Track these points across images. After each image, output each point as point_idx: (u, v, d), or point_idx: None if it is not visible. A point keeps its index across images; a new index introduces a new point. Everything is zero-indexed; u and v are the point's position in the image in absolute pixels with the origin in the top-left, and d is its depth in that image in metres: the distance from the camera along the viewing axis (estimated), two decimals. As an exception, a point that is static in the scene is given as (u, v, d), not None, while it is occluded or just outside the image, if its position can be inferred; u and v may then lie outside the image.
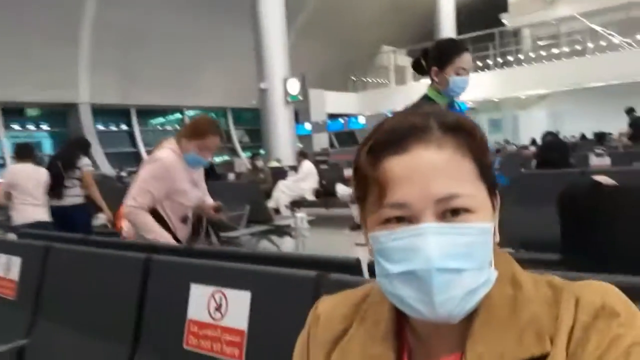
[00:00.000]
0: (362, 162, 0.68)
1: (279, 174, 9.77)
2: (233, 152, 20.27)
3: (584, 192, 1.81)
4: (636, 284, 1.02)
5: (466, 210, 0.64)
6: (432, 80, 2.30)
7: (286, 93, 13.24)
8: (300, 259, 1.35)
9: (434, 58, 2.29)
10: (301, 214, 5.64)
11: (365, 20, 21.64)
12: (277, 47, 13.21)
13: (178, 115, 20.03)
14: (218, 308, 1.41)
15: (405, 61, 25.26)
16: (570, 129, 17.81)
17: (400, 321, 0.73)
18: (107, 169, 15.72)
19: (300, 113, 15.24)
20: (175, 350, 1.49)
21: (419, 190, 0.63)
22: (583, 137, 15.07)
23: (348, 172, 8.62)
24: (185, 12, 16.53)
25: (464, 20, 18.61)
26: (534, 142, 14.41)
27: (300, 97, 13.47)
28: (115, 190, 6.01)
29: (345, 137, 22.11)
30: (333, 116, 21.01)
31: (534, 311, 0.66)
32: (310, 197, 8.87)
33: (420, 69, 2.38)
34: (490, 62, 20.20)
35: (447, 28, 18.32)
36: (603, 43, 19.84)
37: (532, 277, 0.71)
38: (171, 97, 17.96)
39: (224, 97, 18.97)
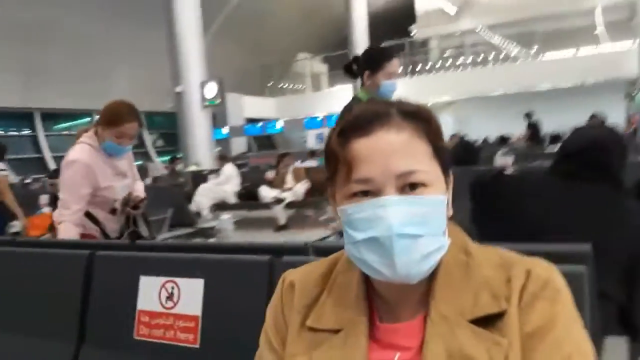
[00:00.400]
0: (333, 144, 0.77)
1: (199, 177, 9.65)
2: (146, 156, 19.62)
3: (490, 179, 2.05)
4: (536, 250, 1.20)
5: (422, 185, 0.73)
6: (364, 83, 2.47)
7: (203, 97, 13.07)
8: (251, 248, 1.43)
9: (367, 63, 2.46)
10: (226, 216, 5.65)
11: (281, 27, 21.81)
12: (193, 50, 12.96)
13: (87, 119, 19.09)
14: (170, 297, 1.46)
15: (321, 68, 25.73)
16: (475, 133, 19.00)
17: (368, 288, 0.81)
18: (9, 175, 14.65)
19: (217, 117, 15.06)
20: (125, 341, 1.51)
21: (381, 167, 0.72)
22: (485, 140, 16.12)
23: (270, 175, 8.68)
24: (96, 11, 15.80)
25: (375, 31, 19.26)
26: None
27: (218, 101, 13.32)
28: (20, 198, 5.69)
29: (263, 141, 22.13)
30: (251, 120, 20.97)
31: (485, 274, 0.76)
32: (233, 200, 8.84)
33: (351, 73, 2.55)
34: (400, 70, 21.08)
35: (360, 37, 18.86)
36: (502, 55, 21.34)
37: (481, 246, 0.81)
38: (79, 101, 17.03)
39: (136, 100, 17.86)
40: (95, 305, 1.62)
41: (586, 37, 20.18)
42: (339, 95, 22.31)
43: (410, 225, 0.71)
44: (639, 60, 15.93)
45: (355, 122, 0.76)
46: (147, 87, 17.86)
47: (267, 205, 8.19)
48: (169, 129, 19.72)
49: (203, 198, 8.77)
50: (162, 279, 1.48)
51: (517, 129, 14.61)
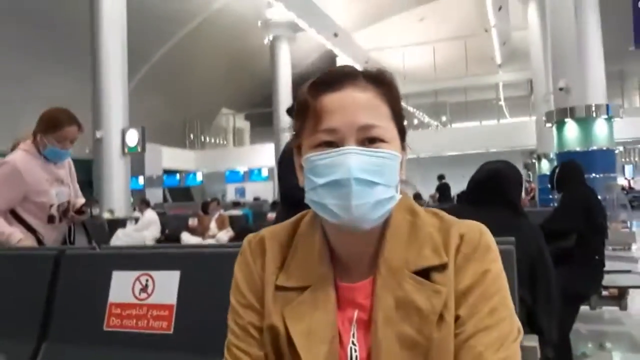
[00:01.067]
0: (305, 95, 0.85)
1: (115, 223, 9.37)
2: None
3: None
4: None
5: (381, 140, 0.81)
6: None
7: (124, 144, 12.83)
8: (227, 245, 1.57)
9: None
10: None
11: (206, 81, 22.01)
12: (116, 96, 12.75)
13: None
14: (144, 289, 1.55)
15: (244, 124, 26.07)
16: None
17: (329, 248, 0.87)
18: None
19: (134, 166, 14.73)
20: (93, 334, 1.57)
21: (346, 119, 0.80)
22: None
23: (193, 222, 8.62)
24: (15, 46, 15.23)
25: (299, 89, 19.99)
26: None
27: (139, 149, 13.12)
28: None
29: (180, 193, 21.72)
30: (168, 172, 20.63)
31: (429, 232, 0.85)
32: (152, 246, 8.66)
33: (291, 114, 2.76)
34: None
35: (285, 96, 19.46)
36: (415, 122, 22.81)
37: (424, 209, 0.90)
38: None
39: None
40: (62, 303, 1.66)
41: (490, 110, 22.13)
42: (261, 152, 22.70)
43: (367, 172, 0.78)
44: (537, 133, 17.60)
45: (326, 79, 0.84)
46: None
47: (189, 252, 8.10)
48: (81, 176, 18.90)
49: (119, 242, 8.52)
50: (136, 273, 1.57)
51: (427, 189, 15.58)
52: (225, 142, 25.56)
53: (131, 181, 14.17)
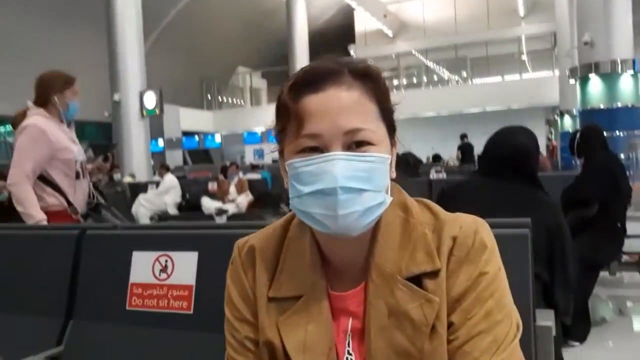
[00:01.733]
0: (285, 98, 0.79)
1: (137, 187, 9.51)
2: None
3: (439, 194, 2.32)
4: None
5: (368, 143, 0.76)
6: None
7: (143, 106, 12.88)
8: (242, 225, 1.59)
9: None
10: (171, 223, 5.67)
11: (222, 40, 21.80)
12: (133, 57, 12.72)
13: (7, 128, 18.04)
14: (164, 269, 1.58)
15: (261, 83, 25.89)
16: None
17: (319, 254, 0.84)
18: None
19: (152, 129, 14.81)
20: (117, 313, 1.62)
21: (330, 123, 0.75)
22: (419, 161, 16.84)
23: (213, 186, 8.71)
24: (31, 8, 15.14)
25: (316, 48, 19.72)
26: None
27: (157, 112, 13.16)
28: None
29: (200, 156, 21.87)
30: (187, 133, 20.72)
31: (422, 233, 0.80)
32: (173, 210, 8.79)
33: None
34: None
35: (301, 54, 19.23)
36: (435, 78, 22.39)
37: (416, 202, 0.85)
38: (4, 105, 16.19)
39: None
40: (85, 281, 1.70)
41: (512, 65, 21.57)
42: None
43: (355, 180, 0.73)
44: (559, 89, 17.17)
45: (307, 78, 0.78)
46: (81, 96, 17.16)
47: (209, 217, 8.22)
48: (100, 140, 19.11)
49: (142, 208, 8.67)
50: (156, 254, 1.60)
51: (447, 149, 15.42)
52: (242, 102, 25.49)
53: (151, 144, 14.30)
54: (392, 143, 0.83)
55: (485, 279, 0.77)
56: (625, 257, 3.69)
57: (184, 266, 1.56)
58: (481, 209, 1.97)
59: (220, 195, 8.40)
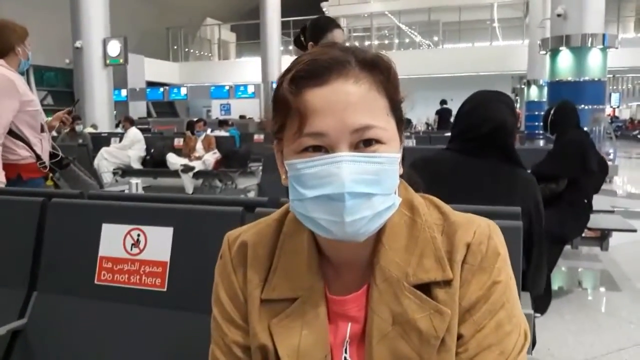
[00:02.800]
0: (284, 92, 0.70)
1: (99, 140, 9.22)
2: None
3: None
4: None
5: (377, 142, 0.69)
6: None
7: (106, 55, 12.36)
8: (217, 200, 1.52)
9: (310, 34, 2.54)
10: (136, 180, 5.50)
11: (190, -12, 20.98)
12: (97, 3, 12.16)
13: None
14: (136, 244, 1.51)
15: (229, 36, 25.20)
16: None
17: (318, 253, 0.78)
18: None
19: (115, 79, 14.30)
20: (85, 287, 1.54)
21: (336, 121, 0.67)
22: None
23: (178, 142, 8.50)
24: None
25: (287, 3, 19.19)
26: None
27: (121, 61, 12.67)
28: None
29: (163, 108, 21.35)
30: (151, 84, 20.11)
31: (431, 237, 0.74)
32: (137, 165, 8.57)
33: (301, 46, 2.61)
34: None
35: (272, 9, 18.68)
36: (407, 40, 22.24)
37: (423, 200, 0.80)
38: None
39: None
40: (50, 252, 1.61)
41: (483, 32, 21.60)
42: (247, 67, 22.10)
43: (363, 183, 0.67)
44: (528, 59, 17.32)
45: (310, 70, 0.69)
46: (41, 40, 16.41)
47: (174, 173, 8.05)
48: (60, 87, 18.37)
49: (104, 161, 8.43)
50: (127, 227, 1.52)
51: (416, 113, 15.51)
52: (210, 55, 24.80)
53: (114, 94, 13.84)
54: (402, 138, 0.76)
55: (497, 288, 0.73)
56: (586, 232, 3.79)
57: (158, 242, 1.49)
58: (459, 189, 1.95)
59: (187, 152, 8.21)
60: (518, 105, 21.73)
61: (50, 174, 2.65)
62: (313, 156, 0.68)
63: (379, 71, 0.72)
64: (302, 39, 2.60)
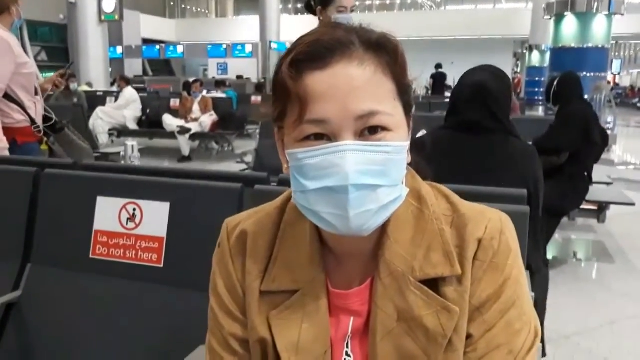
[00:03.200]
0: (284, 76, 0.66)
1: (95, 99, 9.08)
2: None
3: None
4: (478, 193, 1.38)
5: (384, 129, 0.65)
6: (319, 19, 2.48)
7: (101, 10, 12.08)
8: (219, 175, 1.48)
9: None
10: (132, 142, 5.45)
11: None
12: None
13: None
14: (131, 218, 1.48)
15: (227, -7, 24.59)
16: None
17: (320, 243, 0.75)
18: None
19: (111, 35, 14.02)
20: (79, 260, 1.52)
21: (339, 107, 0.63)
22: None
23: (175, 103, 8.38)
24: None
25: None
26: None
27: (117, 17, 12.39)
28: None
29: (160, 66, 21.00)
30: (147, 42, 19.75)
31: (439, 229, 0.71)
32: (133, 125, 8.48)
33: (310, 10, 2.53)
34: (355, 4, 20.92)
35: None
36: (409, 0, 21.77)
37: (430, 189, 0.76)
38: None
39: (22, 7, 16.36)
40: (44, 224, 1.58)
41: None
42: (245, 25, 21.65)
43: (369, 175, 0.63)
44: (531, 23, 17.00)
45: (311, 52, 0.65)
46: (31, -7, 15.98)
47: (170, 135, 7.97)
48: (55, 43, 18.01)
49: (99, 121, 8.34)
50: (123, 201, 1.48)
51: (415, 73, 15.32)
52: (207, 12, 24.27)
53: (109, 51, 13.60)
54: (409, 124, 0.71)
55: (508, 286, 0.70)
56: (584, 204, 3.78)
57: (154, 217, 1.46)
58: (459, 169, 1.91)
59: (183, 113, 8.10)
60: (519, 70, 21.49)
61: (45, 139, 2.60)
62: (315, 145, 0.64)
63: (385, 52, 0.67)
64: (312, 2, 2.51)
